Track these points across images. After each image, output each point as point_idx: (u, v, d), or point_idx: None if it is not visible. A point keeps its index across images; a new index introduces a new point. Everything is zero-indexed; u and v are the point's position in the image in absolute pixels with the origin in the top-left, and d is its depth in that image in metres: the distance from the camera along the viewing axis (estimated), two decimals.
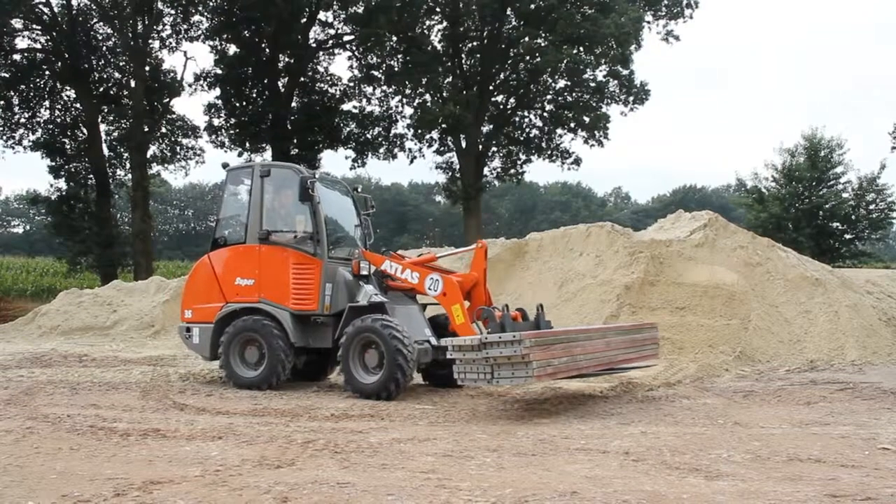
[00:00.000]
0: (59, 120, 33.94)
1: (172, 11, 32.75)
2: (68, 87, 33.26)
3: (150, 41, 32.64)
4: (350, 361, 8.90)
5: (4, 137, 32.68)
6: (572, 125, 33.17)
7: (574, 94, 33.20)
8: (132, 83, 32.32)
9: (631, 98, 32.86)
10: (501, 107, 34.24)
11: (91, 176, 33.19)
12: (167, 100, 33.65)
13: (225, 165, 10.74)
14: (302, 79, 34.04)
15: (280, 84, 33.34)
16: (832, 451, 6.01)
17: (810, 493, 4.74)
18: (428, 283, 9.08)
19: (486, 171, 34.64)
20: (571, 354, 7.90)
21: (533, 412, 8.02)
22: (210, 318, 9.99)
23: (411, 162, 35.06)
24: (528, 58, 31.61)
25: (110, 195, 34.20)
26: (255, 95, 34.06)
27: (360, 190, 11.31)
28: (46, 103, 33.69)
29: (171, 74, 34.18)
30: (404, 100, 33.86)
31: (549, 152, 34.31)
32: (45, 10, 31.47)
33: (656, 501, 4.54)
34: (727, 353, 11.55)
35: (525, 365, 7.18)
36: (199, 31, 33.35)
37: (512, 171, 35.58)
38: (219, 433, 6.58)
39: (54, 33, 31.95)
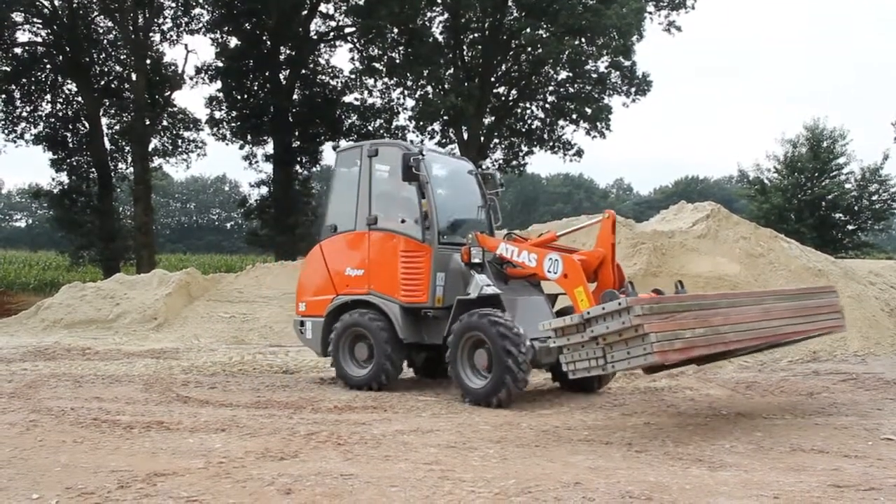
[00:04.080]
0: (60, 113, 33.88)
1: (173, 4, 32.65)
2: (69, 81, 33.17)
3: (150, 34, 32.55)
4: (458, 362, 7.99)
5: (6, 131, 32.64)
6: (574, 116, 33.08)
7: (576, 86, 33.11)
8: (133, 76, 32.23)
9: (633, 89, 32.75)
10: (503, 98, 34.15)
11: (93, 169, 33.15)
12: (168, 93, 33.58)
13: (335, 148, 10.29)
14: (303, 71, 33.95)
15: (281, 76, 33.25)
16: (835, 441, 6.01)
17: (813, 484, 4.74)
18: (547, 265, 7.82)
19: (487, 162, 34.57)
20: (710, 325, 6.24)
21: (535, 403, 8.02)
22: (322, 311, 9.41)
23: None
24: (529, 49, 31.50)
25: (112, 188, 34.13)
26: (256, 88, 33.99)
27: (483, 167, 10.60)
28: (48, 97, 33.60)
29: (172, 67, 34.14)
30: (406, 92, 33.77)
31: (550, 144, 34.25)
32: (46, 3, 31.37)
33: (660, 492, 4.55)
34: None
35: (641, 339, 5.76)
36: (200, 24, 33.23)
37: (514, 162, 35.52)
38: (222, 425, 6.59)
39: (55, 27, 31.86)
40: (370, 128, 34.59)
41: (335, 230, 9.56)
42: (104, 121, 33.37)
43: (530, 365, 7.75)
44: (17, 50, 32.26)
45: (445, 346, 8.15)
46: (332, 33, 34.76)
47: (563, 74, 33.13)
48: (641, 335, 5.75)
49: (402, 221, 8.89)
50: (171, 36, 33.50)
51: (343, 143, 32.86)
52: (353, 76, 34.65)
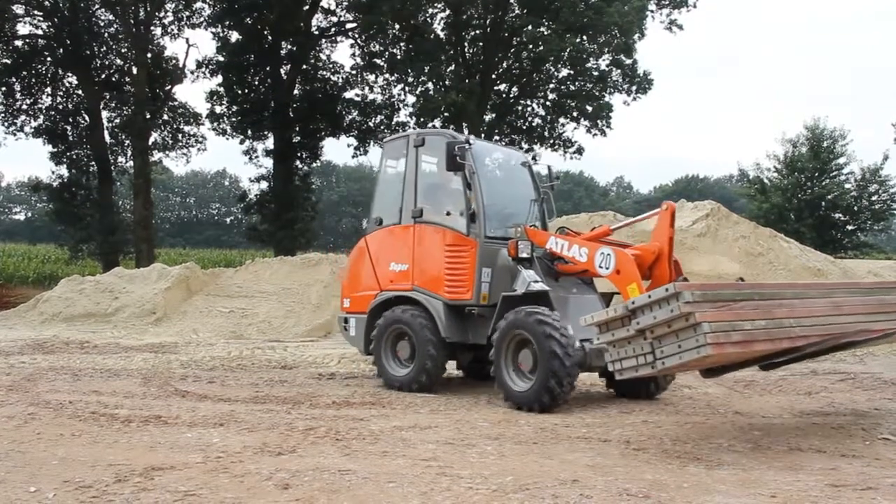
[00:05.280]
0: (60, 106, 33.86)
1: None
2: (70, 74, 33.18)
3: (151, 28, 32.54)
4: (502, 363, 7.48)
5: (6, 124, 32.65)
6: (575, 114, 33.07)
7: (577, 83, 33.05)
8: (134, 70, 32.23)
9: (634, 87, 32.68)
10: (504, 95, 34.12)
11: (93, 163, 33.17)
12: (169, 87, 33.59)
13: (382, 138, 9.82)
14: (304, 66, 33.91)
15: (282, 71, 33.23)
16: (833, 441, 6.01)
17: (811, 483, 4.75)
18: (598, 260, 7.33)
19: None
20: (772, 317, 5.55)
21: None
22: (366, 307, 9.05)
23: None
24: (530, 46, 31.46)
25: (112, 182, 34.16)
26: (257, 83, 33.96)
27: (536, 159, 9.95)
28: (48, 90, 33.61)
29: (173, 61, 34.16)
30: (406, 88, 33.72)
31: (551, 141, 34.23)
32: None
33: (657, 490, 4.55)
34: None
35: (693, 330, 5.10)
36: (201, 18, 33.26)
37: None
38: (220, 420, 6.59)
39: (56, 19, 31.83)
40: (371, 124, 34.60)
41: (380, 223, 9.23)
42: (104, 114, 33.39)
43: (578, 368, 7.21)
44: (18, 42, 32.27)
45: (490, 346, 7.69)
46: (333, 29, 34.73)
47: (564, 72, 33.10)
48: (693, 325, 5.08)
49: (447, 214, 8.52)
50: (172, 30, 33.59)
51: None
52: (353, 72, 34.66)
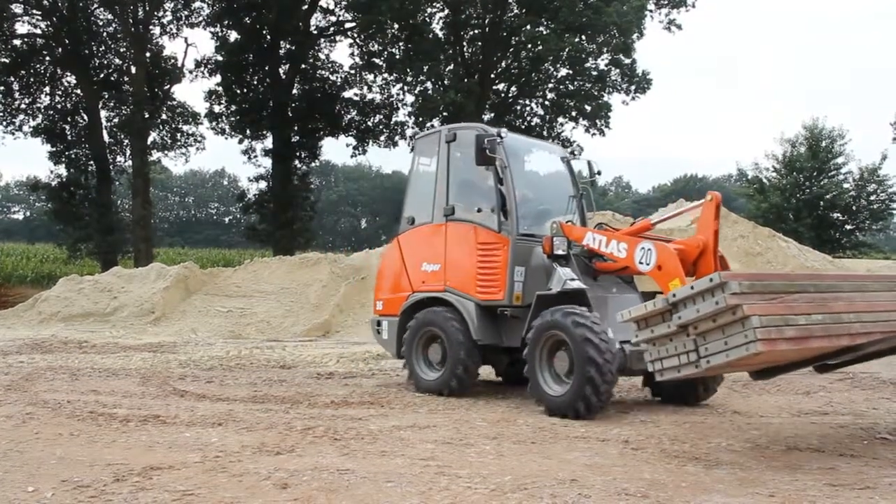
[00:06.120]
0: (59, 106, 33.90)
1: None
2: (69, 73, 33.20)
3: (150, 27, 32.61)
4: (537, 366, 7.05)
5: (5, 123, 32.69)
6: (574, 114, 33.12)
7: (576, 83, 33.10)
8: (133, 69, 32.28)
9: (633, 87, 32.74)
10: (503, 95, 34.14)
11: (91, 162, 33.20)
12: (168, 86, 33.63)
13: (414, 135, 9.50)
14: (303, 66, 33.97)
15: (281, 71, 33.27)
16: (831, 440, 6.02)
17: (809, 482, 4.75)
18: (638, 255, 6.92)
19: None
20: (829, 311, 5.03)
21: (532, 400, 8.01)
22: (398, 310, 8.75)
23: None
24: (529, 46, 31.50)
25: (111, 181, 34.20)
26: (255, 82, 34.00)
27: (576, 154, 9.24)
28: (47, 89, 33.68)
29: (172, 61, 34.22)
30: (405, 87, 33.79)
31: (550, 141, 34.26)
32: None
33: (655, 489, 4.55)
34: None
35: (741, 325, 4.62)
36: (200, 18, 33.38)
37: None
38: (219, 420, 6.58)
39: (54, 18, 31.84)
40: (369, 123, 34.64)
41: (412, 223, 8.91)
42: (103, 114, 33.44)
43: (616, 373, 6.77)
44: (17, 41, 32.27)
45: (524, 349, 7.29)
46: (332, 28, 34.77)
47: (563, 72, 33.14)
48: (741, 319, 4.61)
49: (479, 211, 8.16)
50: (171, 29, 33.70)
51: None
52: (352, 71, 34.71)
